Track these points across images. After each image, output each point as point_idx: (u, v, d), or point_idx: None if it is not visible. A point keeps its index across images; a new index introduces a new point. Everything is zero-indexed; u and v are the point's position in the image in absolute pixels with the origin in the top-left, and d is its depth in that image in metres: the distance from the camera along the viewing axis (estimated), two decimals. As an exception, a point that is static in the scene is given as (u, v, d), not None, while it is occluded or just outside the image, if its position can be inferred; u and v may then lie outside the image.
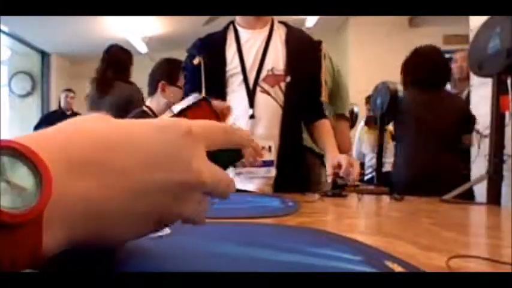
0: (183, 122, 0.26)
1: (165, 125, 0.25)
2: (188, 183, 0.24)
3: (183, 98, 1.37)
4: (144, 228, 0.25)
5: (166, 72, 1.70)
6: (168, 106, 1.67)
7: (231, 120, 1.22)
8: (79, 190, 0.20)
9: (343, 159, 1.12)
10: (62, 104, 4.89)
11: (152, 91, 1.71)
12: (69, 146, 0.21)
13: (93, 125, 0.24)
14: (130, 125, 0.24)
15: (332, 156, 1.16)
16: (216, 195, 0.27)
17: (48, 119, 4.77)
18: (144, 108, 1.71)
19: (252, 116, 1.19)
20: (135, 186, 0.22)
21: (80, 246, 0.22)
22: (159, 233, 0.43)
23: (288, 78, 1.20)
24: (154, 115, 1.65)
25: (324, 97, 1.25)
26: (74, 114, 4.93)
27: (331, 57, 1.73)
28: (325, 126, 1.29)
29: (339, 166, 1.10)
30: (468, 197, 1.59)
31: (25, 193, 0.18)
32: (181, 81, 1.66)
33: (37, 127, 4.66)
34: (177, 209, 0.25)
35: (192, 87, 1.27)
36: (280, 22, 1.31)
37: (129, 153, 0.22)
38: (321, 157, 1.64)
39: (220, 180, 0.27)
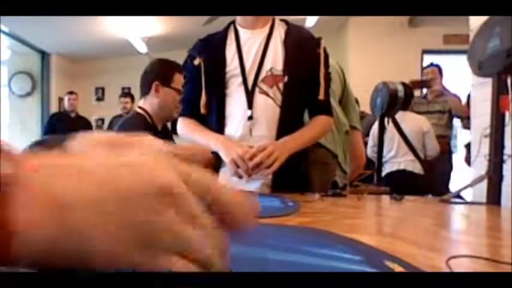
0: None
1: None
2: (156, 187, 0.22)
3: (181, 100, 1.36)
4: (129, 249, 0.22)
5: (160, 72, 1.68)
6: (162, 107, 1.66)
7: (230, 120, 1.22)
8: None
9: (271, 146, 1.09)
10: (66, 106, 4.92)
11: (145, 92, 1.69)
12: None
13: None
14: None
15: (271, 143, 1.13)
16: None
17: (55, 119, 4.83)
18: (138, 110, 1.69)
19: (250, 117, 1.19)
20: (94, 190, 0.22)
21: (59, 261, 0.21)
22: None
23: (286, 79, 1.19)
24: (149, 116, 1.64)
25: (322, 95, 1.24)
26: (79, 117, 4.96)
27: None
28: (312, 120, 1.26)
29: (260, 151, 1.08)
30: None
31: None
32: (175, 82, 1.65)
33: (47, 127, 4.75)
34: (161, 223, 0.22)
35: (192, 88, 1.27)
36: (282, 20, 1.30)
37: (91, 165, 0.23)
38: (335, 156, 1.65)
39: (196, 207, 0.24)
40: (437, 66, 3.76)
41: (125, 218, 0.22)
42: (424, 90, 3.81)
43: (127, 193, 0.22)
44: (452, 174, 3.78)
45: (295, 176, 1.21)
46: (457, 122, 3.91)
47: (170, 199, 0.23)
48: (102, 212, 0.21)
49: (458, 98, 3.72)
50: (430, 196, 1.15)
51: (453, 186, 3.73)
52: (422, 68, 3.77)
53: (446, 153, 3.56)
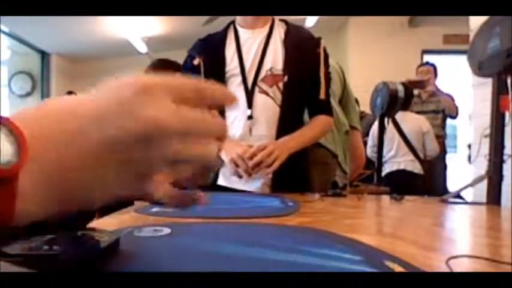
0: (141, 79, 0.25)
1: (121, 84, 0.25)
2: (142, 133, 0.23)
3: None
4: (125, 186, 0.24)
5: (160, 73, 1.69)
6: None
7: (230, 120, 1.22)
8: (45, 158, 0.22)
9: (271, 145, 1.09)
10: None
11: None
12: (37, 117, 0.23)
13: (64, 99, 0.25)
14: (94, 92, 0.25)
15: (271, 142, 1.13)
16: (198, 137, 0.25)
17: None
18: None
19: (250, 117, 1.19)
20: (94, 148, 0.22)
21: (58, 214, 0.23)
22: (159, 233, 0.43)
23: (286, 78, 1.19)
24: None
25: (323, 95, 1.24)
26: None
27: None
28: (312, 120, 1.26)
29: (260, 150, 1.08)
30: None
31: (3, 155, 0.19)
32: None
33: None
34: (151, 161, 0.24)
35: None
36: (281, 20, 1.30)
37: (84, 114, 0.23)
38: (335, 156, 1.64)
39: (193, 121, 0.25)
40: (433, 65, 3.76)
41: (114, 169, 0.23)
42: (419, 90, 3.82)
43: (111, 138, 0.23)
44: (447, 173, 3.79)
45: (295, 175, 1.21)
46: (458, 122, 3.91)
47: (150, 138, 0.23)
48: (94, 174, 0.23)
49: (452, 98, 3.72)
50: (426, 197, 1.15)
51: (450, 185, 3.73)
52: (417, 67, 3.75)
53: (441, 152, 3.57)
